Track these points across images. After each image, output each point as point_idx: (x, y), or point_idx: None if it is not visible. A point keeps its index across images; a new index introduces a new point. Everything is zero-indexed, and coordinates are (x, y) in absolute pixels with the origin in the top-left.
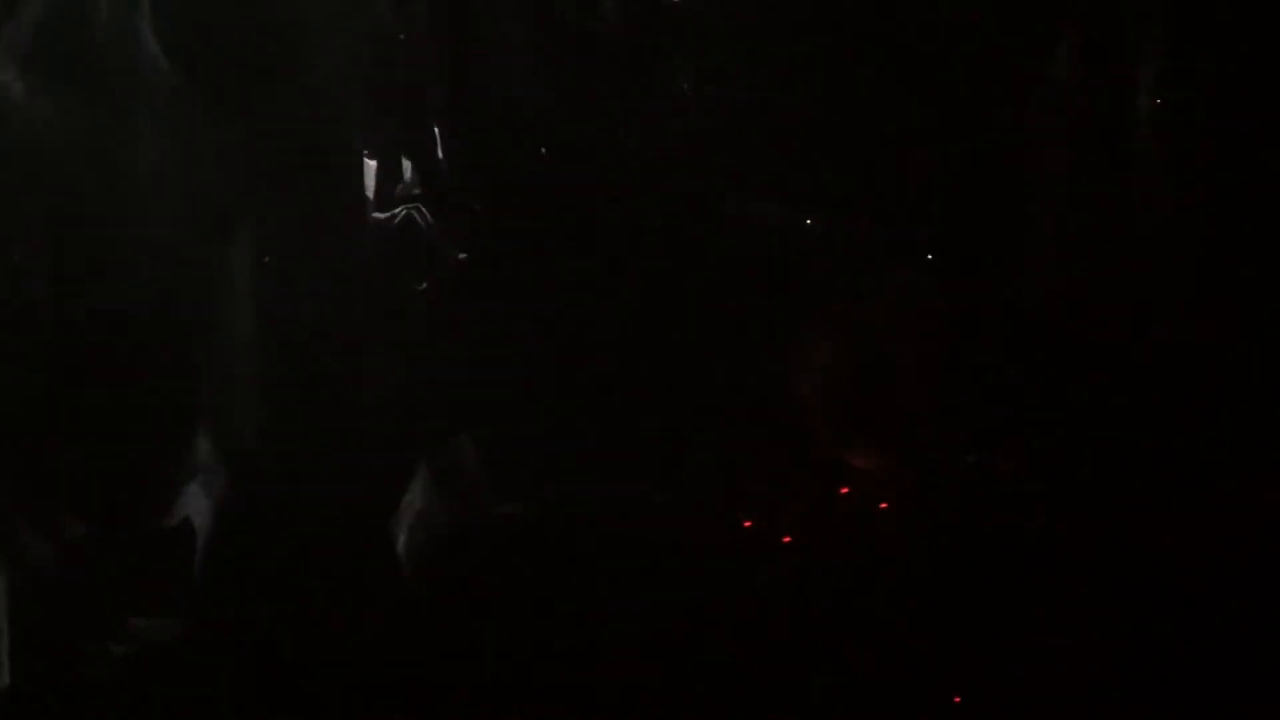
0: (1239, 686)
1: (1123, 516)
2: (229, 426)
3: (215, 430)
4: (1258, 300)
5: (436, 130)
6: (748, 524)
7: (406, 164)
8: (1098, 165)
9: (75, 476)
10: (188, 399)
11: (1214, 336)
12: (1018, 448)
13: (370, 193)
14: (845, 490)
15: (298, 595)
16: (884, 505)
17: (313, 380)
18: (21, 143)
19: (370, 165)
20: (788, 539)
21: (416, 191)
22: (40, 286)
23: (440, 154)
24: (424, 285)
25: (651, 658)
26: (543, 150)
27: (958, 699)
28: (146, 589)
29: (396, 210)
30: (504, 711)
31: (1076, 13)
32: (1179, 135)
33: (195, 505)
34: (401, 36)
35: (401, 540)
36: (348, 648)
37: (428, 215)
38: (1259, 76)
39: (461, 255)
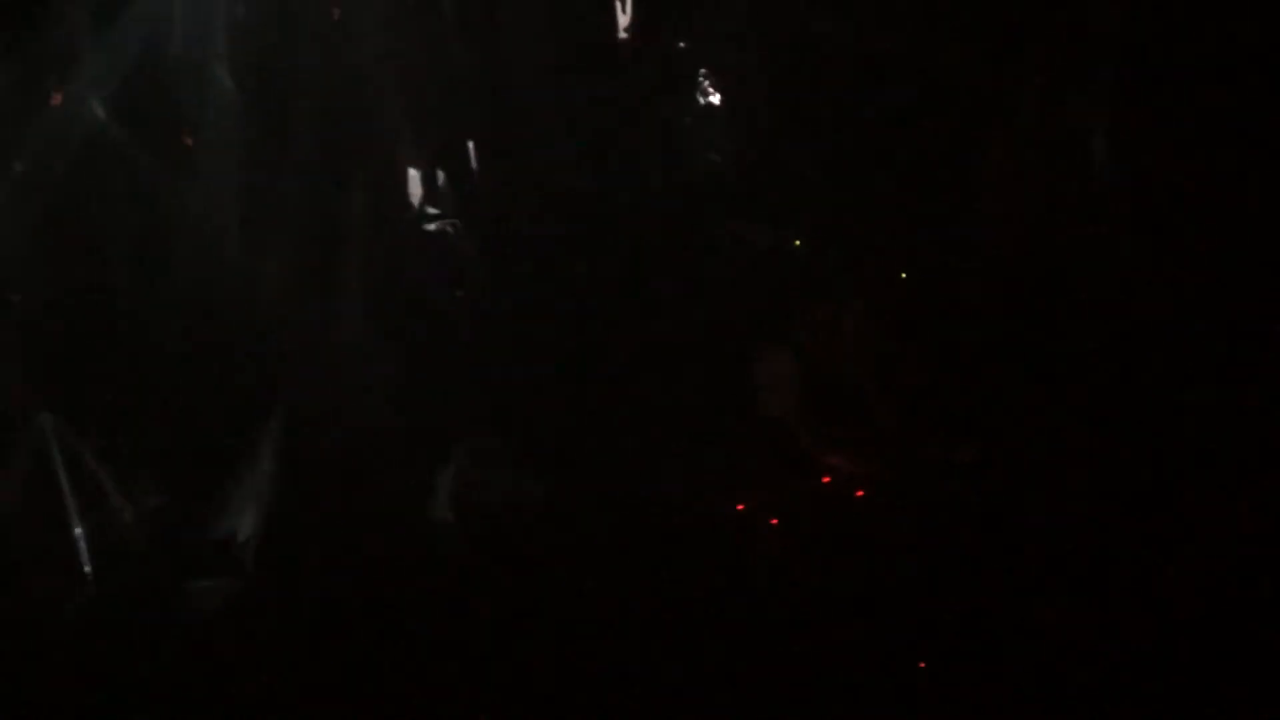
0: (1182, 662)
1: (1067, 502)
2: (288, 419)
3: (276, 422)
4: (1207, 302)
5: (472, 154)
6: (740, 507)
7: (443, 181)
8: (1051, 189)
9: (154, 456)
10: (252, 393)
11: (1161, 338)
12: (973, 445)
13: (411, 206)
14: (826, 480)
15: (342, 562)
16: (859, 494)
17: (360, 378)
18: (104, 167)
19: (412, 181)
20: (775, 521)
21: (448, 209)
22: (125, 294)
23: (475, 176)
24: (460, 292)
25: (656, 620)
26: (568, 181)
27: (922, 664)
28: (209, 553)
29: (434, 224)
30: (528, 666)
31: (1033, 65)
32: (1129, 159)
33: (255, 486)
34: (440, 82)
35: (437, 515)
36: (385, 607)
37: (460, 229)
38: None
39: (490, 267)
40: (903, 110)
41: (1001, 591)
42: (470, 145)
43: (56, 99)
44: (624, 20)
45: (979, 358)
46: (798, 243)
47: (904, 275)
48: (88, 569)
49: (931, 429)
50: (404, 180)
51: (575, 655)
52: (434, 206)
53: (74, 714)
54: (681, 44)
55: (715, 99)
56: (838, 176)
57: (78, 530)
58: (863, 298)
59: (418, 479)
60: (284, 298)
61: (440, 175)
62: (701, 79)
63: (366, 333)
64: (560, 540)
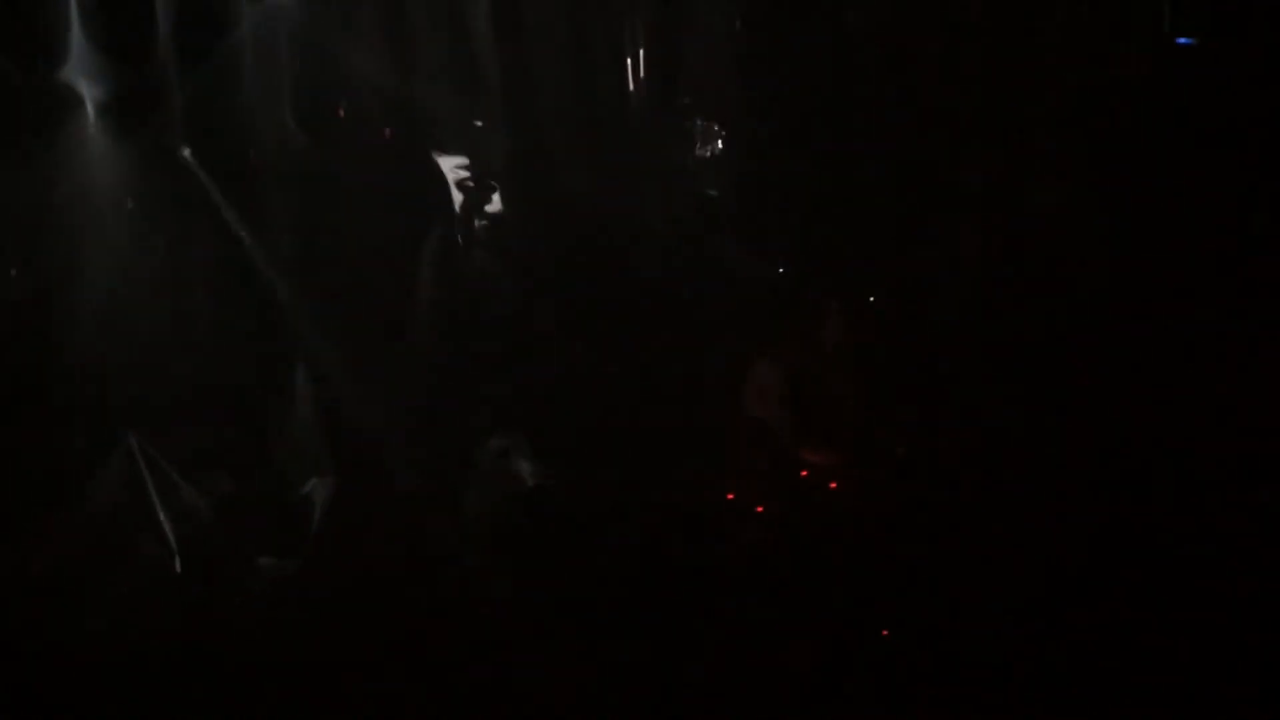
0: (1124, 647)
1: (1011, 495)
2: (341, 420)
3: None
4: (1155, 308)
5: (496, 194)
6: (730, 496)
7: (481, 214)
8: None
9: (226, 449)
10: (312, 395)
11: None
12: (933, 446)
13: (454, 237)
14: (804, 474)
15: (390, 545)
16: (832, 485)
17: (399, 380)
18: (177, 212)
19: (455, 211)
20: (760, 509)
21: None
22: (202, 314)
23: (500, 207)
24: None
25: (656, 593)
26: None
27: (885, 632)
28: (275, 535)
29: (471, 250)
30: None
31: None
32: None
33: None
34: (477, 124)
35: (468, 502)
36: (426, 581)
37: (494, 254)
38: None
39: (518, 286)
40: (872, 165)
41: (956, 567)
42: (502, 184)
43: (145, 139)
44: (634, 81)
45: (937, 371)
46: (780, 270)
47: (871, 300)
48: (172, 553)
49: (895, 431)
50: (450, 210)
51: (591, 611)
52: (471, 234)
53: (163, 677)
54: (686, 99)
55: (711, 148)
56: (815, 214)
57: (162, 518)
58: (837, 318)
59: (456, 471)
60: (341, 307)
61: (478, 208)
62: (699, 130)
63: (418, 341)
64: (576, 520)
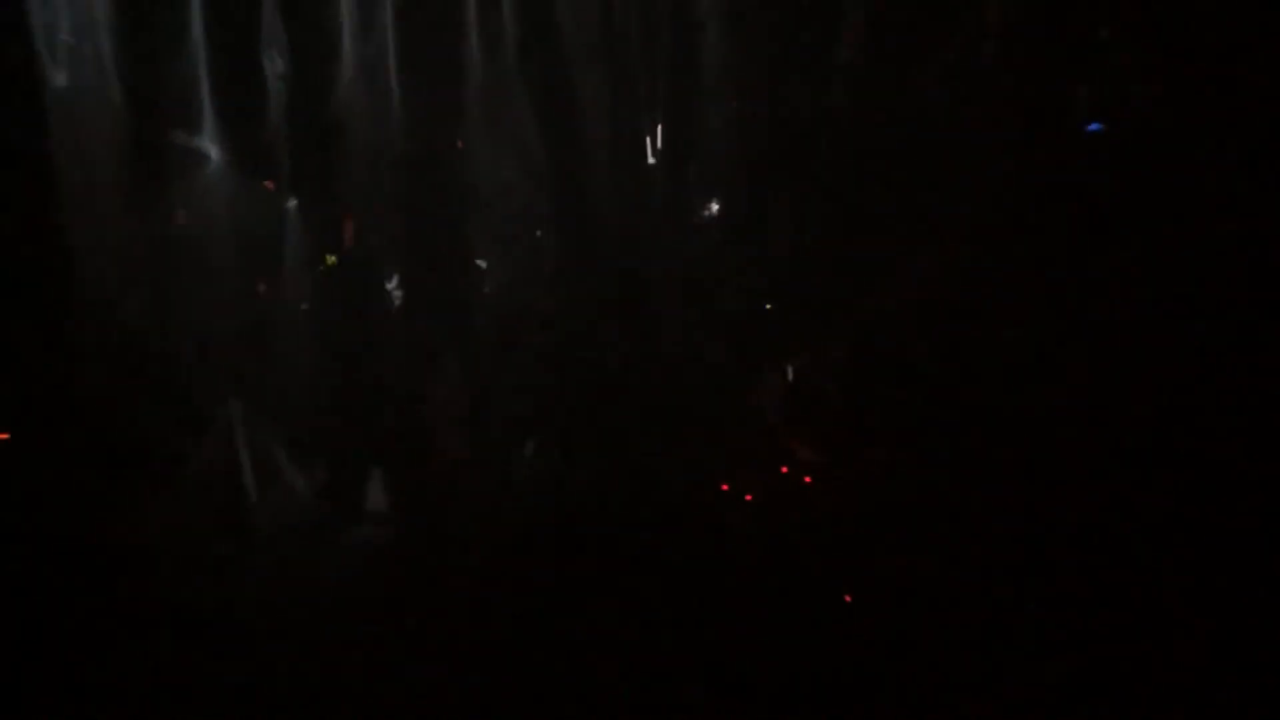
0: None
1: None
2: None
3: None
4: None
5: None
6: (725, 487)
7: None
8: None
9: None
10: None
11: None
12: (897, 449)
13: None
14: (784, 469)
15: (458, 522)
16: (807, 480)
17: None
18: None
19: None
20: (749, 497)
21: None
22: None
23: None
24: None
25: (658, 571)
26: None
27: (848, 598)
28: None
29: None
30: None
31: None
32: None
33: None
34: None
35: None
36: (480, 555)
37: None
38: None
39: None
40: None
41: (920, 549)
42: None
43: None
44: (652, 151)
45: (911, 386)
46: (768, 307)
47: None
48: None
49: (865, 438)
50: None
51: (599, 591)
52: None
53: (252, 645)
54: (691, 171)
55: (714, 206)
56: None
57: (254, 499)
58: (822, 344)
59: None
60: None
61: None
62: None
63: (491, 345)
64: (596, 509)
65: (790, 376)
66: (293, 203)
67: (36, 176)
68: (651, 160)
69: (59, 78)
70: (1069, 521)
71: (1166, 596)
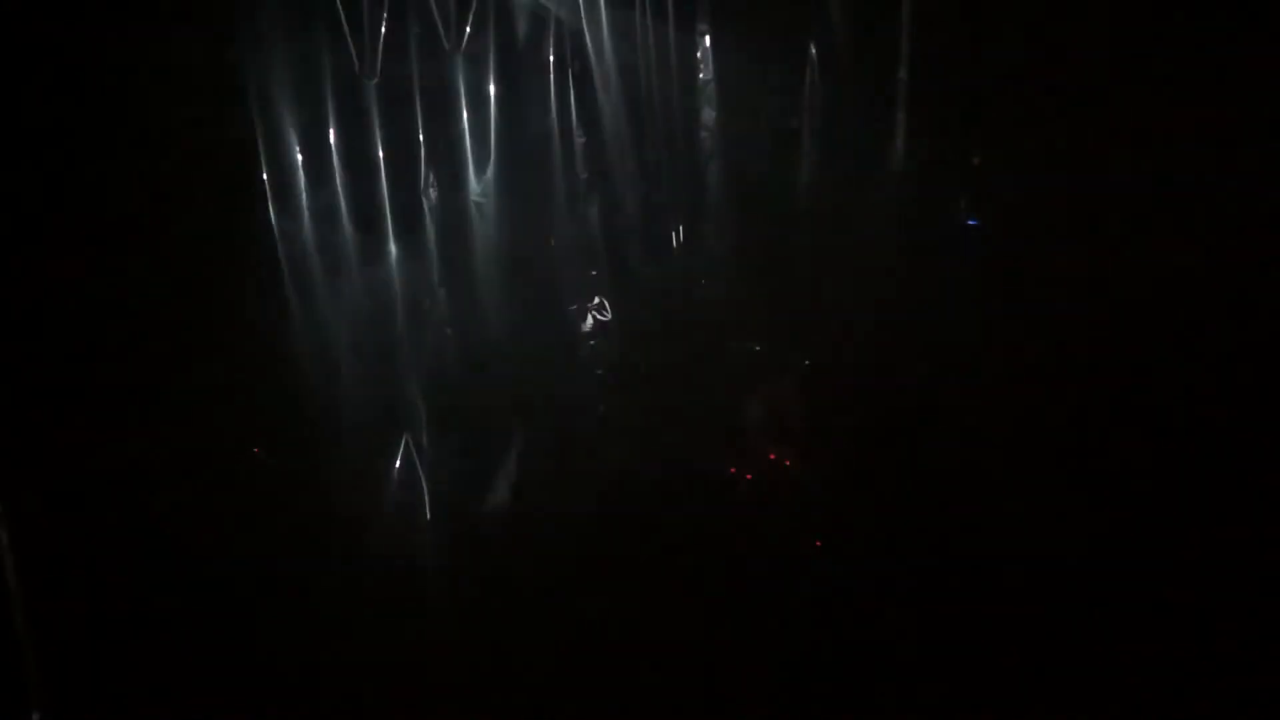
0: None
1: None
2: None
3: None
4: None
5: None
6: (733, 470)
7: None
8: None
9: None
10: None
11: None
12: (862, 452)
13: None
14: (771, 457)
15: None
16: (786, 462)
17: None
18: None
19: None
20: (750, 476)
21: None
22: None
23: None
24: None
25: (667, 545)
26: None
27: (818, 543)
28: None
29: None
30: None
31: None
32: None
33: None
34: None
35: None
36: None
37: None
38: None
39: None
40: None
41: (880, 532)
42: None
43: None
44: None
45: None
46: (757, 348)
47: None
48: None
49: (833, 442)
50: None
51: (603, 573)
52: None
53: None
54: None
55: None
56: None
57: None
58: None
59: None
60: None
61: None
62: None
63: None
64: (604, 491)
65: (769, 406)
66: None
67: None
68: None
69: None
70: (1049, 517)
71: (1164, 596)
